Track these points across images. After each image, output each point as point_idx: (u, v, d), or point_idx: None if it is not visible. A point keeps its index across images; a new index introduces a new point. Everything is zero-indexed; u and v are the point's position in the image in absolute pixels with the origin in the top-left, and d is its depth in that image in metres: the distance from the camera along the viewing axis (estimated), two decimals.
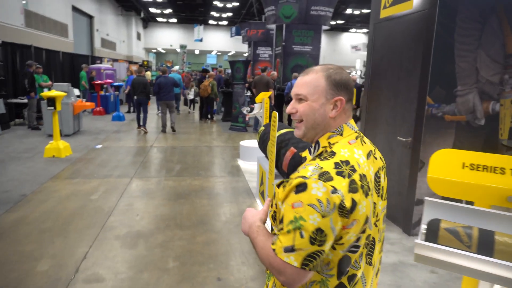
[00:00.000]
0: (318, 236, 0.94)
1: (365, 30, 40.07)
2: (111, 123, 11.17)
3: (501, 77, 3.68)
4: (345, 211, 0.95)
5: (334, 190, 0.95)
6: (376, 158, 1.13)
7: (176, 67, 17.06)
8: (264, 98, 6.39)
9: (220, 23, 39.38)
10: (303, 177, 0.98)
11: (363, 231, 1.02)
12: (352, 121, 1.15)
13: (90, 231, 3.74)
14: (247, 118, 6.96)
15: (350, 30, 39.85)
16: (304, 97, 1.10)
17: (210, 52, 43.64)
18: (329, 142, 1.09)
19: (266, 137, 4.32)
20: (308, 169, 1.00)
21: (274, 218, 1.11)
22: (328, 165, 0.99)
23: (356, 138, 1.11)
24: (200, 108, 12.14)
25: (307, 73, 1.14)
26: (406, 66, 3.83)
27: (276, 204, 1.09)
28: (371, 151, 1.13)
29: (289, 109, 1.15)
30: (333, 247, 1.00)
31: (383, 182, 1.14)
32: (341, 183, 0.96)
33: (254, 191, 5.19)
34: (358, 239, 1.02)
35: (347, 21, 34.29)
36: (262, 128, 4.73)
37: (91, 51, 22.28)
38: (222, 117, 12.23)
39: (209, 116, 11.92)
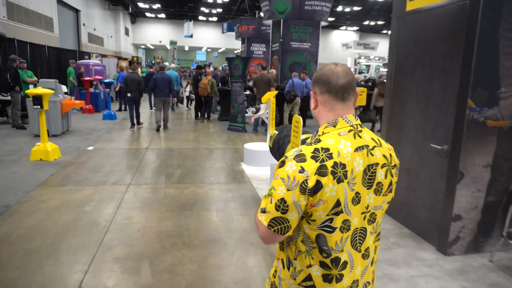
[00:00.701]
0: (282, 205, 1.11)
1: (356, 28, 39.93)
2: (102, 122, 10.58)
3: None
4: (307, 190, 1.09)
5: (302, 170, 1.10)
6: (372, 154, 1.19)
7: (174, 65, 16.41)
8: (270, 98, 5.96)
9: (210, 19, 38.73)
10: (286, 156, 1.16)
11: (336, 214, 1.14)
12: (350, 116, 1.21)
13: (85, 252, 3.25)
14: (252, 120, 6.53)
15: (341, 28, 39.66)
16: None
17: (200, 48, 42.92)
18: (322, 132, 1.22)
19: (282, 143, 3.89)
20: (292, 151, 1.16)
21: None
22: (307, 150, 1.14)
23: (349, 131, 1.19)
24: (196, 107, 11.63)
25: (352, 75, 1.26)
26: (441, 64, 3.44)
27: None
28: (367, 146, 1.19)
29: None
30: (308, 222, 1.15)
31: (382, 179, 1.21)
32: (311, 166, 1.10)
33: None
34: (331, 220, 1.14)
35: (338, 18, 34.06)
36: (275, 132, 4.30)
37: (78, 46, 21.47)
38: (218, 116, 11.74)
39: (206, 116, 11.42)
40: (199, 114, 11.54)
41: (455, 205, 3.33)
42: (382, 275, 3.01)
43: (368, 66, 22.24)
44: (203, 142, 8.25)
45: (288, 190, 1.10)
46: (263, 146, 6.24)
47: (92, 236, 3.57)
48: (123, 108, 13.05)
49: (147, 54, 45.28)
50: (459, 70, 3.24)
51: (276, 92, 6.57)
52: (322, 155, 1.11)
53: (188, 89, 14.13)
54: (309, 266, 1.19)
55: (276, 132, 4.30)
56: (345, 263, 1.18)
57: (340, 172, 1.11)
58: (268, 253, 3.37)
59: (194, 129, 9.99)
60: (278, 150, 3.97)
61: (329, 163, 1.10)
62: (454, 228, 3.39)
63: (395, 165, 1.25)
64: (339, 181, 1.11)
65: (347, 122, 1.20)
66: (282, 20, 11.94)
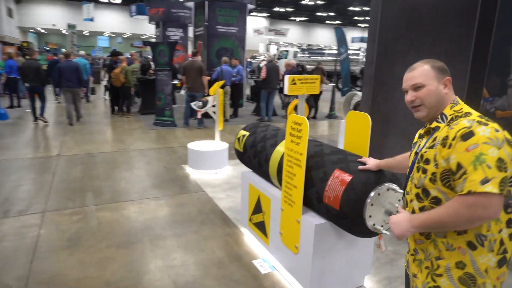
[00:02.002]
0: (501, 164, 1.16)
1: (266, 14, 40.16)
2: None
3: None
4: (511, 143, 1.20)
5: (497, 130, 1.21)
6: None
7: (83, 52, 14.08)
8: (218, 89, 5.07)
9: (112, 1, 35.07)
10: (464, 128, 1.23)
11: None
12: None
13: None
14: (198, 115, 5.52)
15: (252, 14, 39.50)
16: (421, 84, 1.39)
17: (101, 33, 38.73)
18: (454, 110, 1.37)
19: (263, 148, 3.09)
20: (463, 123, 1.26)
21: (433, 180, 1.32)
22: (475, 118, 1.27)
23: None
24: (111, 100, 9.99)
25: (414, 68, 1.43)
26: (446, 49, 2.99)
27: (437, 164, 1.29)
28: None
29: (409, 98, 1.44)
30: None
31: None
32: (495, 126, 1.23)
33: (229, 213, 3.91)
34: None
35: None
36: (244, 133, 3.47)
37: None
38: (139, 109, 10.28)
39: (124, 109, 9.88)
40: (116, 108, 9.96)
41: None
42: None
43: (286, 52, 22.31)
44: (129, 142, 6.94)
45: (499, 148, 1.16)
46: (210, 145, 5.33)
47: None
48: (15, 103, 10.68)
49: (39, 40, 39.34)
50: (470, 55, 2.81)
51: (223, 82, 5.66)
52: (487, 120, 1.26)
53: (107, 78, 12.26)
54: (500, 231, 1.25)
55: (246, 132, 3.48)
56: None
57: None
58: None
59: (114, 126, 8.50)
60: (255, 156, 3.16)
61: (496, 125, 1.23)
62: None
63: None
64: None
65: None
66: (206, 2, 10.87)
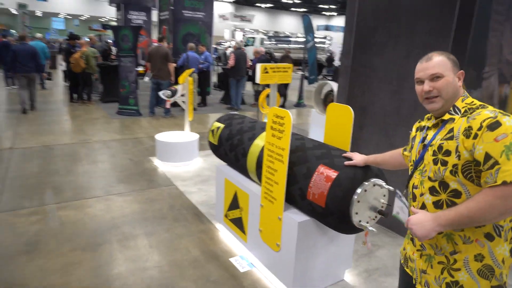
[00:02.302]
0: None
1: (232, 0, 39.39)
2: None
3: None
4: None
5: None
6: None
7: (39, 34, 13.04)
8: (187, 77, 4.84)
9: None
10: (490, 118, 1.20)
11: None
12: None
13: None
14: (167, 105, 5.21)
15: None
16: (440, 74, 1.34)
17: (56, 15, 36.32)
18: (466, 103, 1.35)
19: (240, 142, 2.94)
20: (486, 114, 1.23)
21: (454, 172, 1.27)
22: (495, 109, 1.25)
23: None
24: (70, 87, 9.35)
25: (431, 58, 1.37)
26: (425, 41, 2.96)
27: (459, 155, 1.24)
28: None
29: (427, 88, 1.36)
30: None
31: None
32: None
33: (202, 208, 3.76)
34: None
35: None
36: (218, 125, 3.30)
37: None
38: (100, 97, 9.72)
39: (85, 97, 9.29)
40: (76, 95, 9.35)
41: None
42: None
43: (253, 39, 22.00)
44: (91, 133, 6.52)
45: None
46: (180, 136, 5.10)
47: None
48: None
49: None
50: (449, 48, 2.80)
51: (192, 70, 5.40)
52: (505, 112, 1.23)
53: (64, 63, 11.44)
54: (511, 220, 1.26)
55: (221, 124, 3.31)
56: None
57: None
58: None
59: (74, 115, 7.97)
60: (232, 150, 3.01)
61: None
62: None
63: None
64: None
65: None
66: None
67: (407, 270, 1.53)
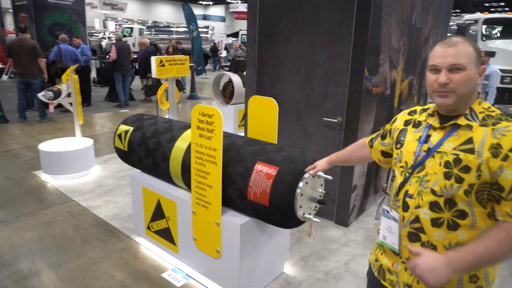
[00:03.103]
0: None
1: None
2: None
3: (399, 44, 3.59)
4: None
5: None
6: None
7: None
8: (72, 75, 4.22)
9: None
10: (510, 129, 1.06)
11: None
12: None
13: None
14: (51, 109, 4.29)
15: None
16: (462, 66, 1.10)
17: None
18: (483, 108, 1.15)
19: (158, 145, 2.67)
20: (506, 125, 1.08)
21: (468, 192, 1.09)
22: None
23: None
24: None
25: (456, 44, 1.11)
26: (329, 31, 3.11)
27: (480, 175, 1.06)
28: None
29: (443, 80, 1.12)
30: None
31: None
32: None
33: (115, 223, 3.33)
34: None
35: None
36: (125, 127, 2.93)
37: None
38: None
39: None
40: None
41: (354, 176, 3.26)
42: (315, 280, 2.59)
43: (131, 29, 20.46)
44: None
45: None
46: (69, 143, 4.41)
47: None
48: None
49: None
50: (352, 37, 3.00)
51: (75, 66, 4.67)
52: None
53: None
54: None
55: (129, 127, 2.95)
56: None
57: None
58: None
59: None
60: (148, 155, 2.73)
61: None
62: (352, 198, 3.34)
63: None
64: None
65: None
66: None
67: (385, 284, 1.35)
